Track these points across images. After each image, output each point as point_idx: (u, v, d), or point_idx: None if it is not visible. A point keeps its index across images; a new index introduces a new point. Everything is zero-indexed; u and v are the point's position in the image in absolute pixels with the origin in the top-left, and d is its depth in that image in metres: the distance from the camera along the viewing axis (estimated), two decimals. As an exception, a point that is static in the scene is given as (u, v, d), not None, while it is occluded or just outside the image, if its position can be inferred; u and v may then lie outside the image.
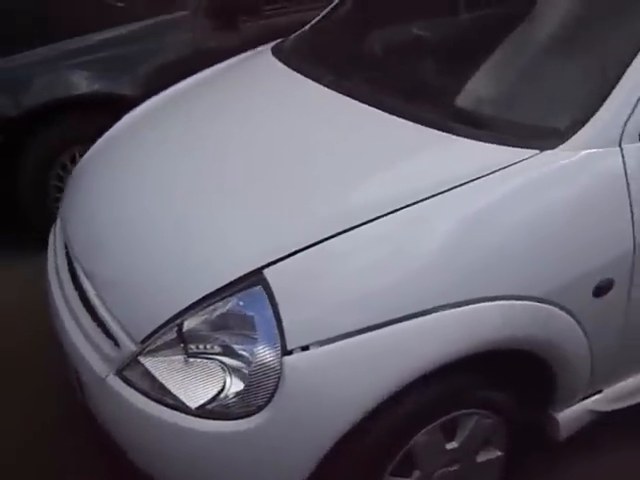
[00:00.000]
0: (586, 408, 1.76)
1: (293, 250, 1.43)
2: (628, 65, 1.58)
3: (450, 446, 1.60)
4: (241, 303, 1.43)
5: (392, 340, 1.39)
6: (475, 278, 1.45)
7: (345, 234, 1.44)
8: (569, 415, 1.75)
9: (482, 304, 1.45)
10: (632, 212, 1.55)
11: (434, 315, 1.41)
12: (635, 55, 1.59)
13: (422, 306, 1.40)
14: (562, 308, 1.53)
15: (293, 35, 2.41)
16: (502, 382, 1.62)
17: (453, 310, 1.42)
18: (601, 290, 1.56)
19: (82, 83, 2.89)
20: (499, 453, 1.71)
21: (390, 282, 1.42)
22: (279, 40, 2.41)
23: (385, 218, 1.45)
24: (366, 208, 1.48)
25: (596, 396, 1.77)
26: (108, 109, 2.54)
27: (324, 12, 2.45)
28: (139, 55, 3.02)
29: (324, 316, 1.40)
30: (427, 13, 2.13)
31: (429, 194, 1.47)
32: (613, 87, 1.57)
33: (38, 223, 2.82)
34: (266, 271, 1.42)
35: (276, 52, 2.28)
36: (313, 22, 2.44)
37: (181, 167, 1.81)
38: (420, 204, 1.46)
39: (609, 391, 1.78)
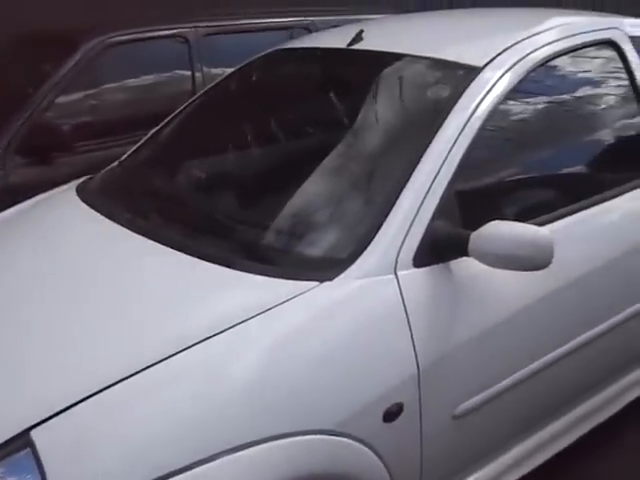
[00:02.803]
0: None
1: (68, 404, 1.34)
2: (399, 195, 1.69)
3: None
4: (2, 470, 1.31)
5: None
6: (260, 417, 1.42)
7: (127, 380, 1.38)
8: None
9: (271, 443, 1.41)
10: (412, 336, 1.60)
11: (216, 462, 1.35)
12: (405, 184, 1.71)
13: (199, 455, 1.34)
14: (354, 438, 1.53)
15: (101, 172, 2.40)
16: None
17: (240, 454, 1.38)
18: (391, 415, 1.58)
19: None
20: None
21: (170, 431, 1.35)
22: (85, 177, 2.39)
23: (150, 369, 1.40)
24: (146, 352, 1.43)
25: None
26: None
27: (132, 149, 2.47)
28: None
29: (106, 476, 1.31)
30: (219, 151, 2.20)
31: (204, 336, 1.45)
32: (386, 216, 1.67)
33: None
34: (34, 432, 1.32)
35: (80, 190, 2.25)
36: (122, 158, 2.45)
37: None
38: (191, 349, 1.43)
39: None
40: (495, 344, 1.77)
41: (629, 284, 2.15)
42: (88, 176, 2.41)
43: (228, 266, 1.64)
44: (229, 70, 2.63)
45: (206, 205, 2.00)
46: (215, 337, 1.46)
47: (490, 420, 1.83)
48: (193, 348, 1.44)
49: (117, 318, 1.58)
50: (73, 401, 1.35)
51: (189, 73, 3.62)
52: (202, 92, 2.63)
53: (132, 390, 1.39)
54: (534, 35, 2.12)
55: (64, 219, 2.13)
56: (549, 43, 2.11)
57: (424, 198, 1.68)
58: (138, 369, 1.40)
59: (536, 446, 2.02)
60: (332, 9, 4.31)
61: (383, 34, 2.39)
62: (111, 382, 1.38)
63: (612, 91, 2.30)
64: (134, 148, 2.48)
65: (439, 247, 1.67)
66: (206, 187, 2.12)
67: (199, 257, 1.68)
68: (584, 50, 2.23)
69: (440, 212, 1.69)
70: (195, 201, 2.04)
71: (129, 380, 1.39)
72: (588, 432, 2.16)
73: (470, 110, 1.83)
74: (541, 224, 1.84)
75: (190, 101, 2.57)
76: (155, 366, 1.41)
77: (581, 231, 2.01)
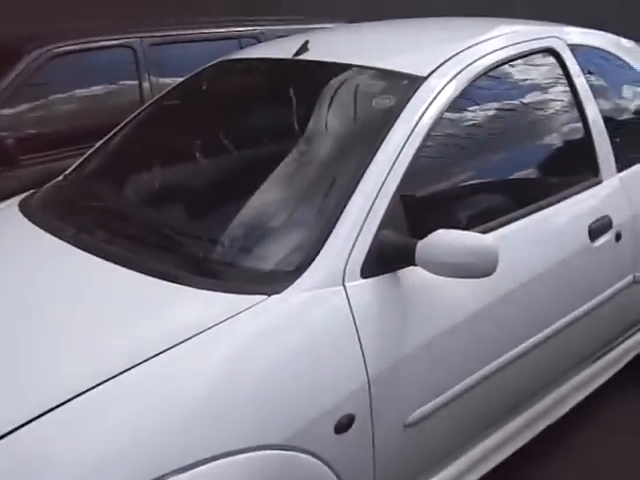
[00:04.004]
0: None
1: (15, 426, 1.30)
2: (345, 206, 1.70)
3: None
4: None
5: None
6: (211, 434, 1.40)
7: (76, 399, 1.35)
8: None
9: (223, 460, 1.39)
10: (362, 347, 1.60)
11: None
12: (351, 195, 1.71)
13: (152, 475, 1.32)
14: (306, 452, 1.52)
15: (45, 186, 2.35)
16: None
17: (192, 472, 1.35)
18: (342, 427, 1.57)
19: None
20: None
21: (120, 451, 1.32)
22: (29, 192, 2.34)
23: (99, 388, 1.37)
24: (94, 371, 1.40)
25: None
26: None
27: (78, 162, 2.42)
28: None
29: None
30: (165, 163, 2.18)
31: (152, 353, 1.43)
32: (333, 228, 1.67)
33: None
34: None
35: (22, 205, 2.20)
36: (67, 172, 2.40)
37: None
38: (139, 367, 1.41)
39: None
40: (444, 351, 1.78)
41: (574, 287, 2.19)
42: (32, 191, 2.36)
43: (175, 281, 1.62)
44: (178, 80, 2.61)
45: (153, 219, 1.97)
46: (162, 354, 1.44)
47: (442, 426, 1.84)
48: (141, 366, 1.42)
49: (63, 338, 1.54)
50: (20, 423, 1.31)
51: (136, 83, 3.58)
52: (149, 103, 2.60)
53: (81, 410, 1.36)
54: (477, 44, 2.15)
55: (5, 236, 2.08)
56: (492, 52, 2.15)
57: (370, 208, 1.69)
58: (86, 388, 1.36)
59: (488, 450, 2.05)
60: (281, 19, 4.32)
61: (329, 44, 2.40)
62: (59, 402, 1.35)
63: (554, 98, 2.35)
64: (79, 161, 2.43)
65: (387, 257, 1.68)
66: (153, 200, 2.09)
67: (146, 273, 1.66)
68: (526, 58, 2.28)
69: (387, 222, 1.70)
70: (142, 215, 2.00)
71: (78, 399, 1.36)
72: (539, 433, 2.19)
73: (415, 119, 1.85)
74: (488, 231, 1.88)
75: (137, 112, 2.53)
76: (104, 384, 1.38)
77: (527, 236, 2.04)
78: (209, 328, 1.49)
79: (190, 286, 1.60)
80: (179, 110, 2.46)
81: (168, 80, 3.36)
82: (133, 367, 1.41)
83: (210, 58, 2.57)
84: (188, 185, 2.08)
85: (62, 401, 1.35)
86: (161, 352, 1.44)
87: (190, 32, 3.86)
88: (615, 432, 2.53)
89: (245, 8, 5.76)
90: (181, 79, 2.57)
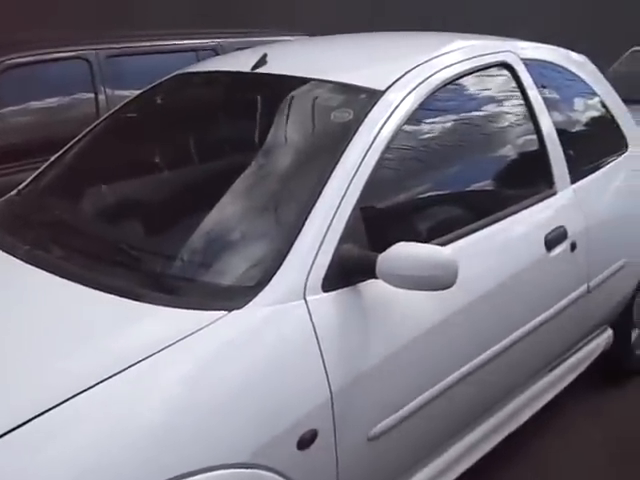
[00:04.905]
0: None
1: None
2: (305, 220, 1.69)
3: None
4: None
5: None
6: (169, 456, 1.37)
7: (28, 424, 1.31)
8: None
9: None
10: (324, 361, 1.60)
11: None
12: (311, 209, 1.71)
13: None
14: (268, 469, 1.50)
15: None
16: None
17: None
18: (305, 442, 1.56)
19: None
20: None
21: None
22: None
23: (50, 412, 1.33)
24: (46, 394, 1.36)
25: None
26: None
27: (32, 176, 2.37)
28: None
29: None
30: (122, 178, 2.15)
31: (108, 374, 1.40)
32: (293, 242, 1.66)
33: None
34: None
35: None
36: (20, 187, 2.35)
37: None
38: (94, 389, 1.37)
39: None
40: (406, 363, 1.79)
41: (532, 297, 2.23)
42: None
43: (133, 298, 1.59)
44: (135, 92, 2.57)
45: (110, 234, 1.94)
46: (119, 375, 1.41)
47: (405, 438, 1.84)
48: (96, 388, 1.38)
49: (13, 358, 1.50)
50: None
51: (92, 95, 3.53)
52: (105, 116, 2.56)
53: (31, 436, 1.31)
54: (434, 58, 2.18)
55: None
56: (449, 65, 2.18)
57: (331, 222, 1.69)
58: (37, 413, 1.32)
59: (451, 459, 2.06)
60: (239, 31, 4.31)
61: (287, 58, 2.40)
62: (8, 429, 1.30)
63: (509, 111, 2.39)
64: (34, 175, 2.37)
65: (348, 270, 1.68)
66: (110, 215, 2.06)
67: (103, 290, 1.62)
68: (481, 72, 2.31)
69: (348, 235, 1.70)
70: (98, 231, 1.96)
71: (28, 425, 1.31)
72: (500, 442, 2.22)
73: (374, 133, 1.86)
74: (447, 242, 1.89)
75: (93, 126, 2.49)
76: (57, 408, 1.34)
77: (485, 248, 2.07)
78: (168, 346, 1.47)
79: (149, 303, 1.57)
80: (136, 124, 2.43)
81: (125, 92, 3.32)
82: (88, 389, 1.37)
83: (168, 70, 2.55)
84: (146, 200, 2.05)
85: (10, 428, 1.30)
86: (117, 372, 1.41)
87: (148, 44, 3.83)
88: (570, 437, 2.59)
89: (207, 19, 5.75)
90: (138, 92, 2.54)
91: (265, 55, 2.23)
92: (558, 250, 2.29)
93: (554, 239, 2.28)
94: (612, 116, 2.85)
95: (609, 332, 2.79)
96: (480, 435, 2.15)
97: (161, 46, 3.83)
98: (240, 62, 2.35)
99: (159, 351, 1.45)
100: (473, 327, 1.99)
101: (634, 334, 2.96)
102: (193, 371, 1.48)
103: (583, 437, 2.60)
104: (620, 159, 2.81)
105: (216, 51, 3.86)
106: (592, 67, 2.93)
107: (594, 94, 2.82)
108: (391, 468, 1.87)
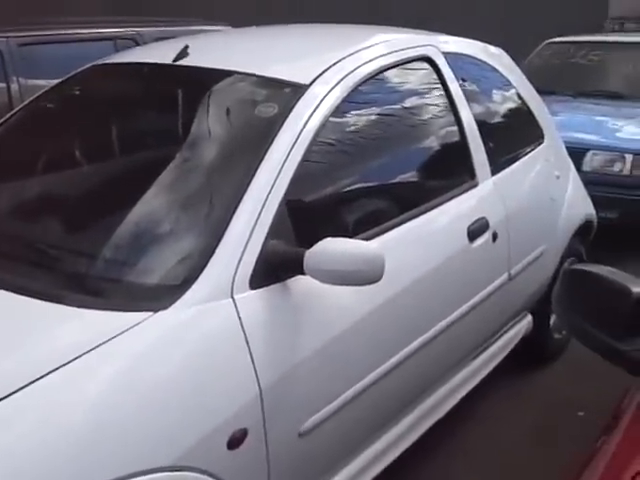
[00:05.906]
0: None
1: None
2: (231, 217, 1.67)
3: None
4: None
5: None
6: (93, 463, 1.33)
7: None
8: None
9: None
10: (252, 360, 1.58)
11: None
12: (237, 205, 1.68)
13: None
14: (198, 470, 1.48)
15: None
16: None
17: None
18: (235, 442, 1.55)
19: None
20: None
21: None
22: None
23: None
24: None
25: None
26: None
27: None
28: None
29: None
30: (39, 173, 2.06)
31: (29, 380, 1.34)
32: (219, 240, 1.64)
33: None
34: None
35: None
36: None
37: None
38: (15, 395, 1.32)
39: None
40: (335, 358, 1.80)
41: (456, 287, 2.28)
42: None
43: (53, 301, 1.53)
44: (51, 82, 2.47)
45: (26, 233, 1.85)
46: (41, 380, 1.35)
47: (335, 432, 1.85)
48: (17, 394, 1.33)
49: None
50: None
51: (4, 85, 3.36)
52: (19, 108, 2.45)
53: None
54: (358, 51, 2.19)
55: None
56: (373, 59, 2.19)
57: (257, 218, 1.67)
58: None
59: (382, 449, 2.08)
60: (159, 20, 4.20)
61: (210, 50, 2.36)
62: None
63: (431, 103, 2.43)
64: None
65: (275, 267, 1.67)
66: (26, 213, 1.97)
67: (20, 292, 1.55)
68: (404, 65, 2.34)
69: (275, 232, 1.69)
70: (14, 229, 1.88)
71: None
72: (427, 430, 2.26)
73: (299, 127, 1.85)
74: (374, 236, 1.91)
75: (6, 117, 2.38)
76: None
77: (410, 240, 2.10)
78: (92, 349, 1.42)
79: (70, 305, 1.52)
80: (53, 116, 2.34)
81: (41, 82, 3.18)
82: (7, 396, 1.32)
83: (85, 59, 2.46)
84: (64, 196, 1.98)
85: None
86: (38, 378, 1.35)
87: (63, 32, 3.68)
88: (491, 423, 2.67)
89: (126, 8, 5.58)
90: (55, 81, 2.44)
91: (187, 47, 2.18)
92: (480, 241, 2.34)
93: (476, 230, 2.33)
94: (528, 107, 2.94)
95: (529, 318, 2.89)
96: (407, 425, 2.18)
97: (78, 34, 3.69)
98: (161, 53, 2.29)
99: (82, 355, 1.40)
100: (399, 319, 2.01)
101: (553, 319, 3.07)
102: (117, 375, 1.44)
103: (503, 422, 2.68)
104: (537, 150, 2.91)
105: (135, 41, 3.74)
106: (508, 59, 3.01)
107: (510, 86, 2.90)
108: (322, 463, 1.88)
